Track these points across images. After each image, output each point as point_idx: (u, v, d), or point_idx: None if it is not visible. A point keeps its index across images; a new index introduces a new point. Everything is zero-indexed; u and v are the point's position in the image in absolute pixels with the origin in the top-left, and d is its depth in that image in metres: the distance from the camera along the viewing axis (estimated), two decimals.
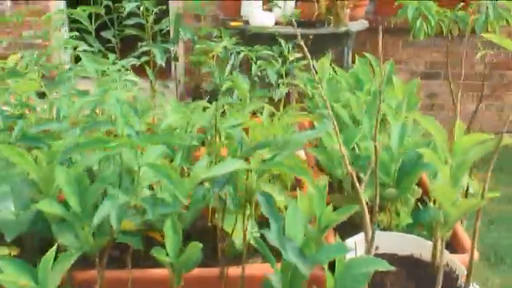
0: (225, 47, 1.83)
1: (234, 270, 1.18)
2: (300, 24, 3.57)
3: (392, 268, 0.97)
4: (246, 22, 3.80)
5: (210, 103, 1.34)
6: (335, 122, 1.15)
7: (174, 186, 0.87)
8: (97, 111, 1.28)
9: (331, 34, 3.80)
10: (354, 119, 1.53)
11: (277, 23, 3.72)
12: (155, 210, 0.95)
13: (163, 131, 1.14)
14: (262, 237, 0.93)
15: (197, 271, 1.12)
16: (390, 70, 1.92)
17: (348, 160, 1.17)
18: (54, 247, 0.94)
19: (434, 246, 1.23)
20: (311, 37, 2.56)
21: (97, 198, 1.04)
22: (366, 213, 1.19)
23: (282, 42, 1.95)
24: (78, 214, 1.02)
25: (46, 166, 1.07)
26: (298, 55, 1.79)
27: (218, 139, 1.11)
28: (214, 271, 1.20)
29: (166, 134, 1.09)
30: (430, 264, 1.26)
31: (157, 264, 1.24)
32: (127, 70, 1.44)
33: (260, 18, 3.62)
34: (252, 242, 1.16)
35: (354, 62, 2.01)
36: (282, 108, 1.54)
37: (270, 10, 3.76)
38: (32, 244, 1.15)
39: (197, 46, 1.70)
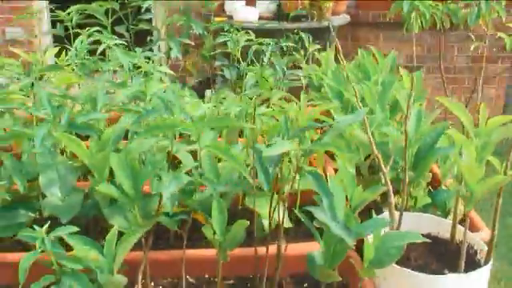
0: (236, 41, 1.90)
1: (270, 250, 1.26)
2: (283, 18, 3.63)
3: (425, 240, 1.06)
4: (230, 18, 3.83)
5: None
6: (362, 108, 1.24)
7: (237, 163, 0.94)
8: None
9: (314, 28, 3.87)
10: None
11: (260, 18, 3.76)
12: (217, 188, 1.02)
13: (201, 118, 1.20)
14: None
15: (236, 251, 1.20)
16: (393, 61, 2.02)
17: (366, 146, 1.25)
18: (115, 228, 1.00)
19: (454, 224, 1.32)
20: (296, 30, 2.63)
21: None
22: (391, 193, 1.28)
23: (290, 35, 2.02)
24: (131, 195, 1.08)
25: (96, 152, 1.13)
26: (318, 46, 1.86)
27: (253, 125, 1.18)
28: (249, 251, 1.27)
29: (225, 118, 1.16)
30: (448, 241, 1.36)
31: (193, 245, 1.32)
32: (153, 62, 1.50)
33: (243, 13, 3.66)
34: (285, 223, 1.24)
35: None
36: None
37: (254, 5, 3.80)
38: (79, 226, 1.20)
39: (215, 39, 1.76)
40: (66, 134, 1.11)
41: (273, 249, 1.25)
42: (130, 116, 1.21)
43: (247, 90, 1.43)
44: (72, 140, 1.11)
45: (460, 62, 5.00)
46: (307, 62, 1.83)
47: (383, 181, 1.31)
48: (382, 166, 1.26)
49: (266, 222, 1.34)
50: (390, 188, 1.26)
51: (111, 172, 1.14)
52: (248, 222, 1.10)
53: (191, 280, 1.31)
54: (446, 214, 1.49)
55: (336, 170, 1.72)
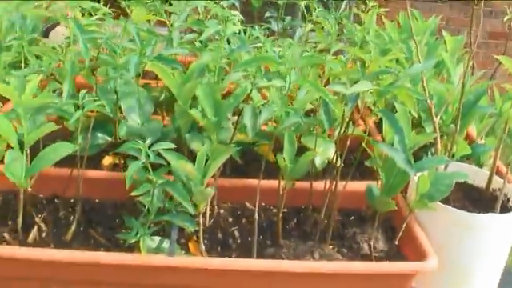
0: None
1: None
2: None
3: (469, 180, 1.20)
4: None
5: None
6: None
7: (327, 96, 1.07)
8: None
9: None
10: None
11: None
12: (289, 121, 1.15)
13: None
14: None
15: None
16: (434, 25, 2.12)
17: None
18: (206, 146, 1.13)
19: (491, 174, 1.46)
20: None
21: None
22: (439, 141, 1.41)
23: None
24: (213, 122, 1.21)
25: (182, 82, 1.25)
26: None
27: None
28: (305, 184, 1.41)
29: (315, 56, 1.29)
30: (482, 189, 1.50)
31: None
32: None
33: None
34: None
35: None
36: None
37: None
38: None
39: None
40: (157, 63, 1.23)
41: (320, 185, 1.40)
42: (209, 54, 1.32)
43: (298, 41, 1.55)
44: (163, 69, 1.23)
45: (477, 39, 5.09)
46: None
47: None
48: (433, 114, 1.39)
49: (318, 160, 1.48)
50: (438, 135, 1.40)
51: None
52: (315, 153, 1.23)
53: (250, 206, 1.46)
54: (479, 167, 1.63)
55: (376, 123, 1.86)
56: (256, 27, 1.42)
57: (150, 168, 1.11)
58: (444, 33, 1.93)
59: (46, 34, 2.23)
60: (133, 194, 1.12)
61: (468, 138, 1.75)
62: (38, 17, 1.76)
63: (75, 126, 1.38)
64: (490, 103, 1.66)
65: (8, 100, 1.30)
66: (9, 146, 1.22)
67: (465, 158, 1.63)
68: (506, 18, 2.30)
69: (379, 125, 1.82)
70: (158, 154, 1.12)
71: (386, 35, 2.03)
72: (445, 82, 1.72)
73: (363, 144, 1.23)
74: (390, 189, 1.21)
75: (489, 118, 1.70)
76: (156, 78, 1.67)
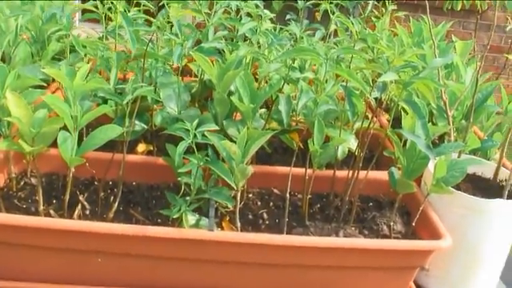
0: None
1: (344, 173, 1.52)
2: None
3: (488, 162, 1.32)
4: None
5: None
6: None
7: (360, 84, 1.19)
8: None
9: None
10: None
11: None
12: (318, 110, 1.27)
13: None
14: None
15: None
16: (443, 30, 2.25)
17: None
18: (245, 129, 1.24)
19: (498, 166, 1.58)
20: None
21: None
22: (452, 133, 1.53)
23: None
24: (251, 109, 1.33)
25: (221, 72, 1.37)
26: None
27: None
28: (328, 172, 1.53)
29: (350, 48, 1.41)
30: (490, 180, 1.62)
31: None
32: None
33: None
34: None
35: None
36: None
37: None
38: None
39: None
40: (199, 54, 1.34)
41: (344, 173, 1.52)
42: (245, 47, 1.44)
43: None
44: (204, 59, 1.34)
45: (475, 51, 5.25)
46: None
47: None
48: (448, 109, 1.52)
49: (340, 150, 1.59)
50: (452, 127, 1.52)
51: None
52: (345, 140, 1.35)
53: (276, 191, 1.57)
54: (487, 158, 1.75)
55: (389, 121, 1.98)
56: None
57: (195, 148, 1.22)
58: (454, 37, 2.06)
59: None
60: (181, 169, 1.22)
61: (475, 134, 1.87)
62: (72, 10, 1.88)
63: (116, 113, 1.49)
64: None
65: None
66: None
67: (473, 153, 1.75)
68: (508, 28, 2.43)
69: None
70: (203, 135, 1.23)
71: (399, 40, 2.17)
72: (456, 82, 1.85)
73: (387, 132, 1.34)
74: (410, 172, 1.32)
75: (494, 117, 1.82)
76: (190, 76, 1.79)
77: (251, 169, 1.25)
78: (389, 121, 1.98)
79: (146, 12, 1.83)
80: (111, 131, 1.31)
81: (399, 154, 1.33)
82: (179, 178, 1.30)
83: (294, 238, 1.30)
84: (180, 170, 1.23)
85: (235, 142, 1.23)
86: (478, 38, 5.16)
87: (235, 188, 1.23)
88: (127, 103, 1.32)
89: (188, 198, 1.31)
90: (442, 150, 1.27)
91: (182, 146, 1.18)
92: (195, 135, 1.21)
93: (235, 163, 1.21)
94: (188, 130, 1.21)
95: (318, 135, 1.36)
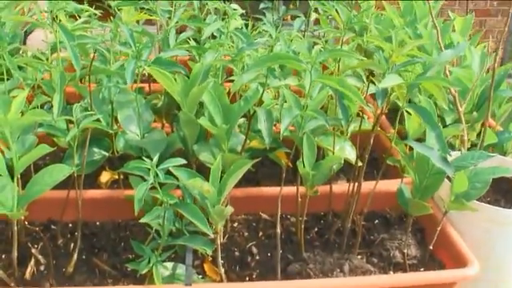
0: None
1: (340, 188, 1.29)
2: None
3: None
4: None
5: None
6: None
7: (354, 94, 0.95)
8: None
9: None
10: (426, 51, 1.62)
11: None
12: (308, 125, 1.04)
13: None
14: None
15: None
16: (437, 5, 2.01)
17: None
18: (219, 158, 1.01)
19: None
20: None
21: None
22: (465, 131, 1.31)
23: None
24: (224, 130, 1.09)
25: (186, 87, 1.13)
26: None
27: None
28: (323, 188, 1.30)
29: (338, 50, 1.17)
30: (510, 179, 1.40)
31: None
32: None
33: None
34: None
35: None
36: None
37: None
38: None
39: None
40: (157, 68, 1.10)
41: (343, 188, 1.29)
42: (212, 53, 1.20)
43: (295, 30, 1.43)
44: (164, 75, 1.10)
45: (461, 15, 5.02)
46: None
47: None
48: (458, 104, 1.28)
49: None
50: (465, 127, 1.29)
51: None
52: (341, 159, 1.12)
53: (265, 217, 1.34)
54: (503, 155, 1.53)
55: (385, 114, 1.75)
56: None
57: (159, 188, 0.99)
58: (451, 14, 1.82)
59: (23, 41, 2.08)
60: (143, 220, 0.99)
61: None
62: (16, 23, 1.62)
63: (68, 143, 1.24)
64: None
65: None
66: None
67: (488, 147, 1.53)
68: None
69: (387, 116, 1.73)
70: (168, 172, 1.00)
71: (387, 20, 1.93)
72: (458, 66, 1.61)
73: (392, 143, 1.11)
74: (423, 190, 1.09)
75: (507, 103, 1.60)
76: (149, 79, 1.53)
77: (231, 208, 1.01)
78: (386, 115, 1.77)
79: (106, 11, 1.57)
80: (58, 173, 1.07)
81: (408, 168, 1.10)
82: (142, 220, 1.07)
83: (291, 285, 1.07)
84: (142, 220, 0.99)
85: (210, 170, 1.01)
86: (463, 2, 4.93)
87: (211, 234, 1.00)
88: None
89: (160, 241, 1.08)
90: (463, 163, 1.04)
91: (141, 190, 0.95)
92: (159, 173, 0.97)
93: (210, 204, 0.98)
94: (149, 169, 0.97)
95: (308, 154, 1.12)
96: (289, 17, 2.21)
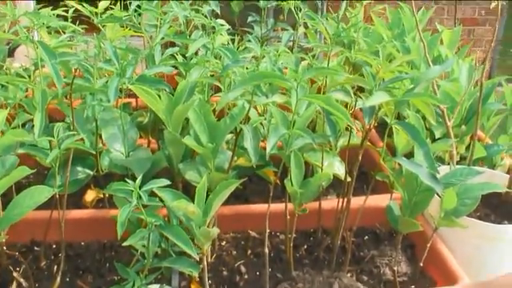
0: None
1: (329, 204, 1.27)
2: None
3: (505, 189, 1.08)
4: None
5: None
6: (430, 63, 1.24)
7: (341, 113, 0.93)
8: None
9: None
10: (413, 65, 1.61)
11: None
12: (296, 142, 1.02)
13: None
14: None
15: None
16: (425, 17, 2.01)
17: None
18: (204, 178, 0.99)
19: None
20: None
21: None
22: (454, 145, 1.29)
23: None
24: (210, 149, 1.07)
25: (169, 105, 1.11)
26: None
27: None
28: (312, 205, 1.28)
29: (323, 68, 1.15)
30: (502, 194, 1.38)
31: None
32: None
33: None
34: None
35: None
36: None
37: None
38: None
39: None
40: (140, 86, 1.08)
41: (332, 204, 1.27)
42: (197, 69, 1.18)
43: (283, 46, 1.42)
44: (148, 93, 1.08)
45: (449, 25, 5.04)
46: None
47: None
48: (447, 118, 1.27)
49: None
50: (453, 140, 1.27)
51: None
52: (330, 175, 1.10)
53: (254, 234, 1.32)
54: (492, 168, 1.52)
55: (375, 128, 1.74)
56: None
57: (143, 210, 0.96)
58: (438, 26, 1.82)
59: (10, 54, 2.05)
60: (126, 243, 0.97)
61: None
62: (1, 39, 1.59)
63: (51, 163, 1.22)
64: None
65: None
66: None
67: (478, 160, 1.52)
68: (492, 5, 2.19)
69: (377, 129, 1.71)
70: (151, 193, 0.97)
71: (375, 33, 1.92)
72: (446, 79, 1.60)
73: (381, 160, 1.10)
74: (413, 207, 1.08)
75: (495, 116, 1.59)
76: (135, 94, 1.51)
77: (217, 229, 0.99)
78: (375, 127, 1.75)
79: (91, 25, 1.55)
80: (39, 195, 1.04)
81: (397, 185, 1.08)
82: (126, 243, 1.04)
83: None
84: (126, 243, 0.97)
85: (195, 189, 0.98)
86: (452, 10, 4.94)
87: (196, 257, 0.98)
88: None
89: (145, 263, 1.05)
90: (451, 180, 1.02)
91: (124, 213, 0.92)
92: (143, 195, 0.94)
93: (195, 225, 0.96)
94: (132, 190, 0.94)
95: (295, 172, 1.11)
96: (279, 28, 2.21)
